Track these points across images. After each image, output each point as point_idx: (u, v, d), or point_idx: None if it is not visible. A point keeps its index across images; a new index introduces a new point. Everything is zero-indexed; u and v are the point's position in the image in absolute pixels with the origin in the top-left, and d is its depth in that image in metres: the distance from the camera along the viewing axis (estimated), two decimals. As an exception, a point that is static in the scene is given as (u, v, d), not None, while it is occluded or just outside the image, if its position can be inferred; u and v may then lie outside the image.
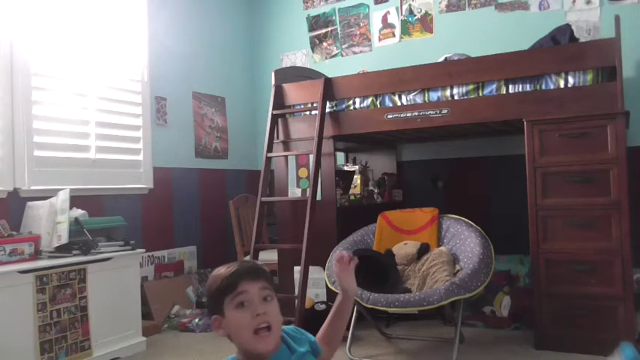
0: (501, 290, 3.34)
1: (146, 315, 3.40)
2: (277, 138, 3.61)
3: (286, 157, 3.53)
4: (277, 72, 3.72)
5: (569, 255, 2.78)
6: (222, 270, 1.26)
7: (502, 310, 3.32)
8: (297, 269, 3.31)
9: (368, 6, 4.34)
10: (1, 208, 2.88)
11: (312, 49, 4.59)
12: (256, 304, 1.20)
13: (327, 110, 3.44)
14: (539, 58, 2.95)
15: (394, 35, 4.25)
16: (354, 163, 4.14)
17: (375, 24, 4.32)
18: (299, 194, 3.47)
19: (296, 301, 3.13)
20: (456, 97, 3.10)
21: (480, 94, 3.04)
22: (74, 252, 2.80)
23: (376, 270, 2.89)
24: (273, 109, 3.55)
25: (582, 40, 3.29)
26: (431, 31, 4.10)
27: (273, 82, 3.63)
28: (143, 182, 3.75)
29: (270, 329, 1.20)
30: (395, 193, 4.08)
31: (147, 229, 3.73)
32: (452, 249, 2.98)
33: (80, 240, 2.85)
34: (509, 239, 3.22)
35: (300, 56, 4.65)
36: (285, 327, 1.31)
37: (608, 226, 2.71)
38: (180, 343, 3.25)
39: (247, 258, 3.60)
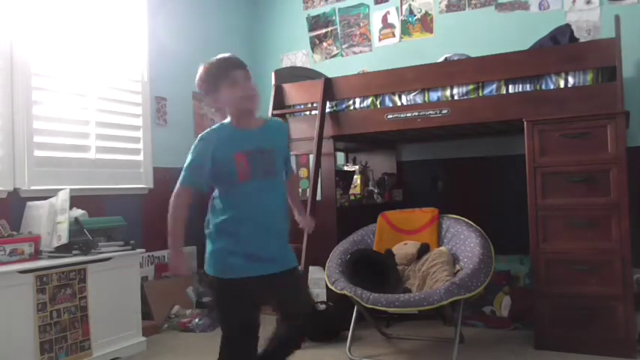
0: (501, 290, 3.34)
1: (146, 315, 3.40)
2: (277, 138, 3.61)
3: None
4: (277, 72, 3.73)
5: (569, 255, 2.78)
6: (213, 62, 1.87)
7: (502, 310, 3.32)
8: (297, 269, 3.30)
9: (368, 6, 4.34)
10: (1, 208, 2.87)
11: (312, 49, 4.59)
12: (243, 82, 1.84)
13: (327, 110, 3.44)
14: (539, 58, 2.95)
15: (394, 35, 4.25)
16: (354, 163, 4.14)
17: (375, 24, 4.32)
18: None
19: (296, 301, 3.12)
20: (456, 97, 3.10)
21: (480, 94, 3.04)
22: (74, 252, 2.80)
23: (376, 270, 2.90)
24: (273, 109, 3.55)
25: (582, 40, 3.29)
26: (431, 31, 4.10)
27: (273, 82, 3.64)
28: (143, 182, 3.74)
29: (254, 95, 1.86)
30: (395, 193, 4.08)
31: (147, 229, 3.72)
32: (452, 249, 2.98)
33: (80, 240, 2.85)
34: (509, 239, 3.22)
35: (300, 56, 4.65)
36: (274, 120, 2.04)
37: (608, 226, 2.71)
38: (180, 343, 3.26)
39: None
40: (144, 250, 3.30)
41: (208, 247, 1.89)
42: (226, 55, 1.90)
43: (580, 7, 3.58)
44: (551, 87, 2.88)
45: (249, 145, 1.84)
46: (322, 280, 3.18)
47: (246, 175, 1.82)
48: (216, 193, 1.91)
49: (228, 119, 1.90)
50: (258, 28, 4.88)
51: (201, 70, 1.89)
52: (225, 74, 1.84)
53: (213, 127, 1.89)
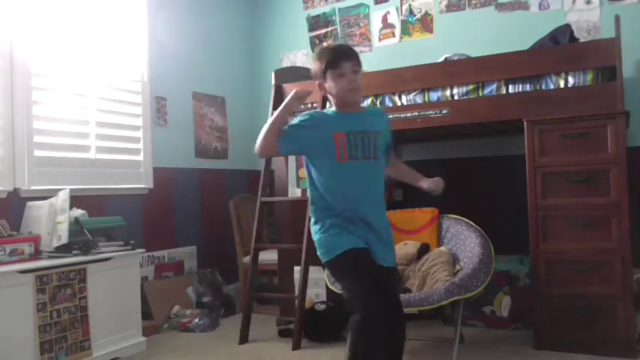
0: (501, 290, 3.33)
1: (146, 315, 3.40)
2: (277, 138, 3.61)
3: (286, 156, 3.53)
4: (277, 72, 3.72)
5: (569, 255, 2.78)
6: (324, 49, 2.02)
7: (502, 310, 3.32)
8: (297, 269, 3.31)
9: (368, 6, 4.34)
10: (1, 208, 2.88)
11: (312, 49, 4.58)
12: (349, 75, 1.93)
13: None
14: (539, 58, 2.95)
15: (394, 35, 4.25)
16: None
17: (375, 24, 4.32)
18: (299, 194, 3.48)
19: (296, 301, 3.13)
20: (456, 97, 3.10)
21: (480, 94, 3.04)
22: (74, 252, 2.80)
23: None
24: (273, 109, 3.54)
25: (582, 40, 3.29)
26: (431, 31, 4.10)
27: (273, 82, 3.63)
28: (143, 182, 3.75)
29: (357, 88, 1.97)
30: (395, 193, 4.08)
31: (147, 229, 3.73)
32: (452, 249, 2.98)
33: (80, 240, 2.85)
34: (509, 239, 3.22)
35: (300, 56, 4.64)
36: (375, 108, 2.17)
37: (608, 226, 2.71)
38: (180, 343, 3.26)
39: (247, 258, 3.61)
40: (144, 250, 3.30)
41: (315, 236, 1.98)
42: (339, 44, 1.99)
43: (580, 7, 3.57)
44: (551, 87, 2.88)
45: (353, 127, 1.94)
46: (322, 280, 3.18)
47: (342, 155, 1.90)
48: (314, 177, 2.01)
49: (333, 107, 2.05)
50: (258, 28, 4.88)
51: (315, 56, 2.03)
52: (335, 64, 1.93)
53: (320, 110, 2.02)
